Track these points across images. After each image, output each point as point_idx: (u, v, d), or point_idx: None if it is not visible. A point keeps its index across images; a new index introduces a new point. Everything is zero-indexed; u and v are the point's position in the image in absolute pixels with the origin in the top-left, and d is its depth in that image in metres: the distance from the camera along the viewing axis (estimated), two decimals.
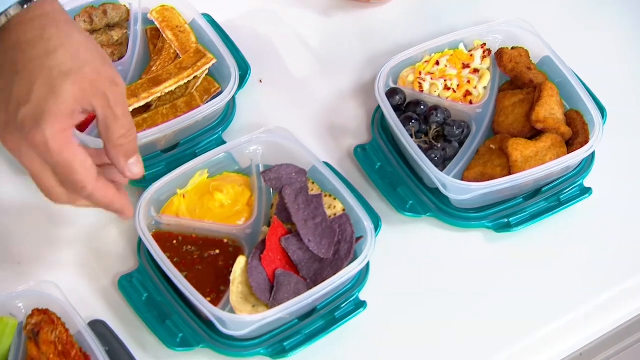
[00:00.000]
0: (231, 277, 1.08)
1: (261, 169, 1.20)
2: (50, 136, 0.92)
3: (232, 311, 1.07)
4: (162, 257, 1.08)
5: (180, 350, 1.08)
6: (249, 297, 1.08)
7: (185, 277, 1.08)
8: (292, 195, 1.15)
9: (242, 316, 1.05)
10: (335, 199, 1.16)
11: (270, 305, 1.07)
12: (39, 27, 0.94)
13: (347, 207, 1.15)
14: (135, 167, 0.99)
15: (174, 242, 1.14)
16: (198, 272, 1.11)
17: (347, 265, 1.09)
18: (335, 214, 1.15)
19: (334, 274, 1.08)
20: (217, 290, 1.10)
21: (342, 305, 1.12)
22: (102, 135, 0.97)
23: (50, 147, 0.93)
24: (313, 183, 1.18)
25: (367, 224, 1.12)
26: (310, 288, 1.07)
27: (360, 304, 1.12)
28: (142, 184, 1.17)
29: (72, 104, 0.93)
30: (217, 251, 1.13)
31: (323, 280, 1.07)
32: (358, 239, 1.13)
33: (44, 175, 0.96)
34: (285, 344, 1.09)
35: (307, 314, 1.11)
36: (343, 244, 1.12)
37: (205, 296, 1.07)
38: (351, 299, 1.12)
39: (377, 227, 1.16)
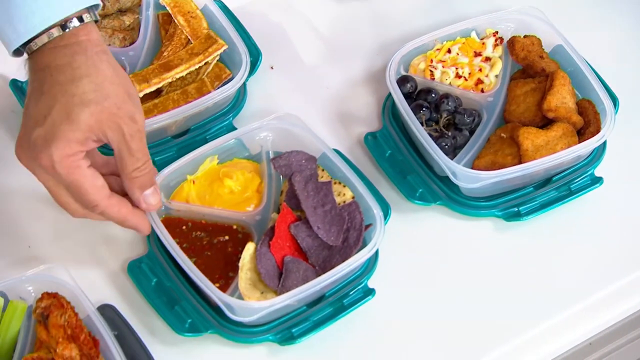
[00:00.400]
0: (240, 264, 1.08)
1: (271, 156, 1.20)
2: (57, 159, 0.96)
3: (240, 297, 1.07)
4: (171, 242, 1.08)
5: (188, 336, 1.08)
6: (258, 283, 1.08)
7: (194, 262, 1.08)
8: (302, 182, 1.15)
9: (251, 302, 1.05)
10: (344, 186, 1.16)
11: (278, 291, 1.07)
12: (69, 54, 0.97)
13: (356, 194, 1.15)
14: (152, 199, 1.05)
15: (184, 227, 1.14)
16: (207, 258, 1.12)
17: (355, 253, 1.09)
18: (344, 202, 1.15)
19: (343, 261, 1.08)
20: (225, 276, 1.10)
21: (351, 293, 1.12)
22: (118, 167, 1.01)
23: (57, 170, 0.97)
24: (323, 170, 1.18)
25: (377, 211, 1.12)
26: (319, 275, 1.07)
27: (369, 292, 1.12)
28: None
29: (86, 133, 0.96)
30: (227, 237, 1.13)
31: (332, 268, 1.08)
32: (367, 226, 1.12)
33: (58, 192, 1.00)
34: (293, 330, 1.09)
35: (316, 301, 1.11)
36: (352, 231, 1.12)
37: (213, 282, 1.07)
38: (360, 287, 1.12)
39: (386, 215, 1.16)
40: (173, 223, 1.14)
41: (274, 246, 1.10)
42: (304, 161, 1.17)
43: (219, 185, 1.17)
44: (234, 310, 1.05)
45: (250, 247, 1.10)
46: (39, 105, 0.97)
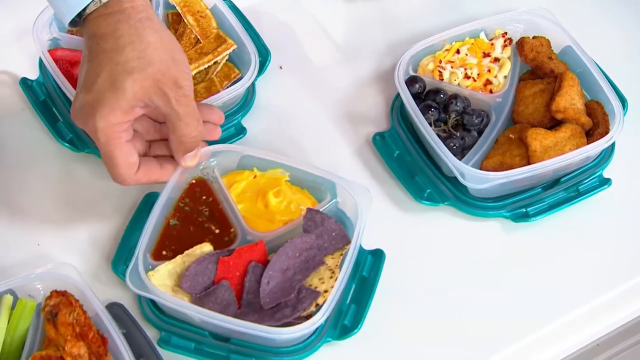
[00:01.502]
0: (186, 251, 1.09)
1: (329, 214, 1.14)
2: (100, 127, 0.99)
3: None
4: (164, 197, 1.09)
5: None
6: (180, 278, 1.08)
7: (173, 226, 1.11)
8: (307, 244, 1.09)
9: (150, 281, 1.04)
10: (332, 279, 1.07)
11: (193, 299, 1.05)
12: (113, 22, 1.00)
13: (330, 296, 1.04)
14: (191, 161, 1.09)
15: (203, 197, 1.15)
16: (185, 230, 1.12)
17: (270, 326, 1.03)
18: (315, 287, 1.07)
19: (253, 324, 1.03)
20: (174, 255, 1.09)
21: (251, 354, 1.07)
22: (169, 129, 1.04)
23: (98, 137, 1.00)
24: (341, 255, 1.10)
25: (324, 315, 1.03)
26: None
27: None
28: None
29: (131, 101, 0.99)
30: (217, 231, 1.13)
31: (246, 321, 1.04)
32: (304, 318, 1.04)
33: None
34: (171, 338, 1.08)
35: (224, 338, 1.08)
36: (288, 310, 1.05)
37: (164, 249, 1.09)
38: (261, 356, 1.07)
39: (354, 328, 1.08)
40: (200, 186, 1.15)
41: (222, 263, 1.08)
42: (333, 234, 1.11)
43: (263, 194, 1.15)
44: (133, 278, 1.04)
45: (205, 246, 1.10)
46: (88, 73, 1.00)
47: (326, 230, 1.11)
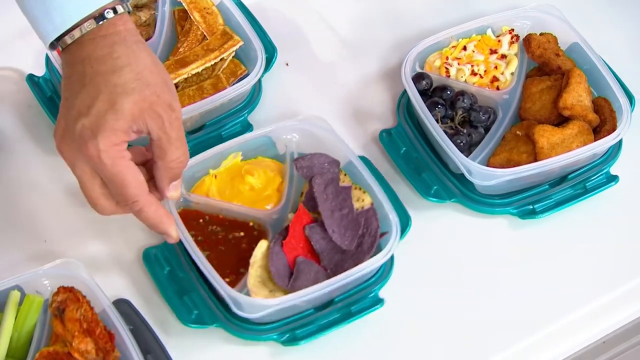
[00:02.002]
0: (251, 260, 1.08)
1: (295, 157, 1.19)
2: (103, 148, 0.96)
3: (248, 294, 1.06)
4: (185, 234, 1.08)
5: (193, 327, 1.08)
6: (267, 281, 1.08)
7: (207, 256, 1.08)
8: (322, 185, 1.14)
9: (258, 299, 1.05)
10: (364, 192, 1.14)
11: (288, 291, 1.06)
12: (109, 44, 0.97)
13: (376, 202, 1.13)
14: (175, 190, 1.05)
15: (200, 220, 1.14)
16: (220, 252, 1.12)
17: (368, 259, 1.08)
18: (362, 207, 1.13)
19: (355, 266, 1.07)
20: (236, 272, 1.10)
21: (360, 300, 1.11)
22: (156, 155, 1.01)
23: (102, 159, 0.96)
24: (345, 175, 1.17)
25: (393, 219, 1.11)
26: (330, 278, 1.07)
27: (378, 301, 1.11)
28: None
29: (129, 122, 0.96)
30: (242, 234, 1.13)
31: (343, 272, 1.07)
32: (383, 234, 1.11)
33: (92, 186, 0.99)
34: (297, 332, 1.08)
35: (324, 305, 1.10)
36: (367, 237, 1.11)
37: (224, 277, 1.07)
38: (370, 295, 1.11)
39: (406, 225, 1.15)
40: (190, 215, 1.14)
41: (286, 246, 1.10)
42: (326, 164, 1.16)
43: (240, 181, 1.16)
44: (240, 306, 1.05)
45: (262, 245, 1.10)
46: (81, 96, 0.97)
47: (320, 165, 1.16)
